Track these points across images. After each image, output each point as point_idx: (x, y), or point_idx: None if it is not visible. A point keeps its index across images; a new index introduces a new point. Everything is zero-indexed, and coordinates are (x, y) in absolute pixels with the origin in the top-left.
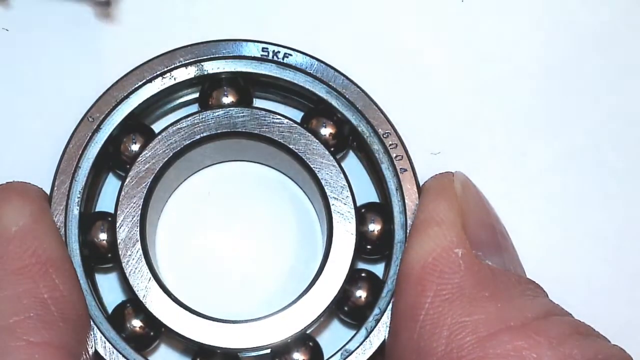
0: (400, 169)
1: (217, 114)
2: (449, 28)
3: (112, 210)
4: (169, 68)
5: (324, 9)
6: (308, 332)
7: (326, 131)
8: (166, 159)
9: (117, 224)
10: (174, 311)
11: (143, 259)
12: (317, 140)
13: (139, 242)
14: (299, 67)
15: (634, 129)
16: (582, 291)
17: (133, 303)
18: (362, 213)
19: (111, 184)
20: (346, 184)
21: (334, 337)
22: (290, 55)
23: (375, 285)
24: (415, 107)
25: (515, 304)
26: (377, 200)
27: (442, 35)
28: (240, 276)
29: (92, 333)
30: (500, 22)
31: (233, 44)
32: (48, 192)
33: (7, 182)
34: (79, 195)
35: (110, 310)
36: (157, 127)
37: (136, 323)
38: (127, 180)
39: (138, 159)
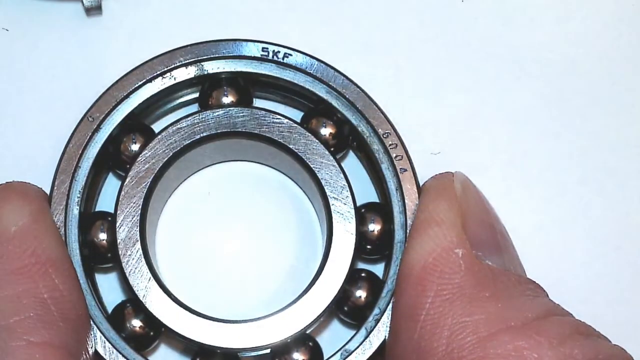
0: (400, 169)
1: (217, 113)
2: (449, 28)
3: (112, 210)
4: (169, 68)
5: (324, 9)
6: (308, 332)
7: (326, 131)
8: (166, 158)
9: (117, 224)
10: (174, 311)
11: (143, 259)
12: (317, 140)
13: (139, 242)
14: (299, 67)
15: (634, 129)
16: (582, 291)
17: (133, 303)
18: (362, 213)
19: (111, 183)
20: (346, 184)
21: (333, 337)
22: (290, 55)
23: (375, 285)
24: (415, 107)
25: (515, 303)
26: (377, 200)
27: (442, 35)
28: (240, 276)
29: (92, 333)
30: (500, 22)
31: (233, 43)
32: (48, 191)
33: (7, 182)
34: (78, 195)
35: (110, 310)
36: (157, 127)
37: (136, 323)
38: (127, 180)
39: (138, 159)
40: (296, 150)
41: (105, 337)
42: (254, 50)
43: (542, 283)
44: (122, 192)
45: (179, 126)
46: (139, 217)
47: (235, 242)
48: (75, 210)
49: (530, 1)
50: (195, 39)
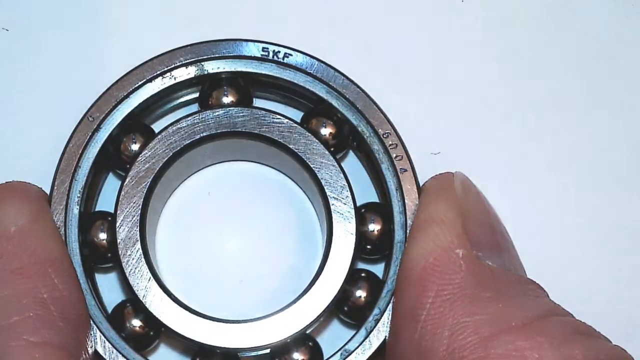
0: (400, 169)
1: (217, 113)
2: (449, 28)
3: (112, 210)
4: (169, 68)
5: (324, 9)
6: (308, 332)
7: (326, 131)
8: (166, 158)
9: (117, 224)
10: (174, 311)
11: (143, 259)
12: (317, 140)
13: (139, 242)
14: (299, 67)
15: (634, 129)
16: (582, 291)
17: (133, 303)
18: (362, 213)
19: (111, 183)
20: (346, 184)
21: (333, 337)
22: (291, 55)
23: (375, 285)
24: (415, 107)
25: (516, 304)
26: (377, 201)
27: (442, 35)
28: (240, 276)
29: (92, 333)
30: (500, 22)
31: (233, 43)
32: (48, 191)
33: (7, 182)
34: (78, 195)
35: (110, 309)
36: (157, 126)
37: (136, 323)
38: (127, 180)
39: (138, 159)
40: (296, 150)
41: (105, 337)
42: (254, 50)
43: (542, 283)
44: (122, 192)
45: (179, 126)
46: (139, 217)
47: (235, 242)
48: (75, 210)
49: (530, 1)
50: (195, 38)
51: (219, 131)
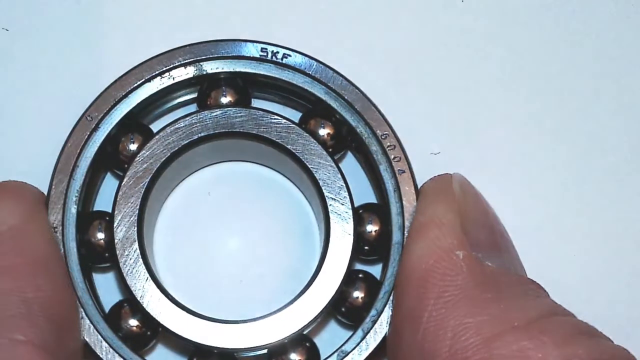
0: (399, 170)
1: (214, 114)
2: (449, 28)
3: (110, 210)
4: (167, 68)
5: (324, 10)
6: (305, 332)
7: (324, 132)
8: (164, 159)
9: (115, 224)
10: (171, 311)
11: (140, 259)
12: (314, 141)
13: (137, 242)
14: (297, 67)
15: (634, 128)
16: (582, 291)
17: (130, 303)
18: (360, 214)
19: (109, 183)
20: (344, 185)
21: (331, 337)
22: (289, 55)
23: (372, 286)
24: (415, 107)
25: (518, 304)
26: (375, 202)
27: (442, 35)
28: (237, 276)
29: (82, 334)
30: (499, 22)
31: (232, 44)
32: (46, 190)
33: (2, 182)
34: (76, 194)
35: (107, 309)
36: (155, 126)
37: (133, 322)
38: (125, 180)
39: (136, 159)
40: (294, 151)
41: (101, 337)
42: (253, 50)
43: (542, 283)
44: (120, 192)
45: (176, 126)
46: (136, 217)
47: (233, 243)
48: (73, 210)
49: (530, 1)
50: (194, 39)
51: (216, 131)
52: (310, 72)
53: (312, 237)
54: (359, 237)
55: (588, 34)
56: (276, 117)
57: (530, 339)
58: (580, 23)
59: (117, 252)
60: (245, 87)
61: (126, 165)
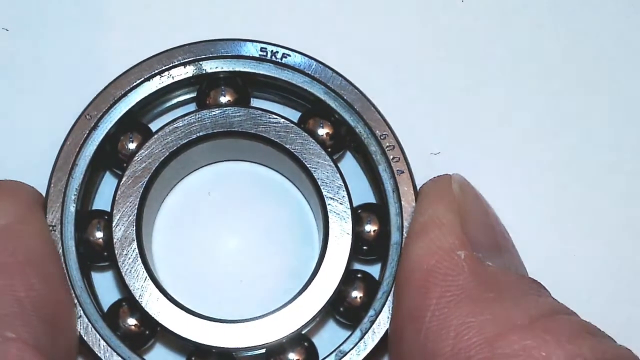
0: (397, 170)
1: (213, 113)
2: (449, 28)
3: (108, 209)
4: (167, 67)
5: (323, 10)
6: (303, 332)
7: (323, 131)
8: (162, 158)
9: (114, 224)
10: (170, 310)
11: (139, 259)
12: (313, 140)
13: (135, 241)
14: (297, 67)
15: (634, 128)
16: (582, 291)
17: (129, 302)
18: (359, 213)
19: (108, 182)
20: (342, 184)
21: (329, 337)
22: (289, 55)
23: (371, 286)
24: (415, 107)
25: (520, 303)
26: (374, 202)
27: (442, 35)
28: (236, 276)
29: (77, 334)
30: (500, 22)
31: (231, 43)
32: (45, 188)
33: None
34: (75, 193)
35: (106, 308)
36: (154, 126)
37: (131, 322)
38: (124, 179)
39: (134, 158)
40: (292, 150)
41: (100, 335)
42: (253, 50)
43: (542, 283)
44: (119, 192)
45: (175, 125)
46: (135, 217)
47: (232, 242)
48: (71, 208)
49: (530, 1)
50: (194, 38)
51: (215, 131)
52: (309, 72)
53: (311, 236)
54: (358, 236)
55: (588, 34)
56: (275, 116)
57: (534, 338)
58: (580, 23)
59: (116, 251)
60: (245, 86)
61: (125, 165)
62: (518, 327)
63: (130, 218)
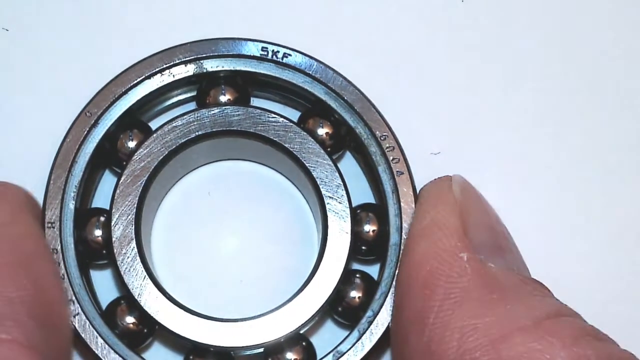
0: (397, 171)
1: (212, 112)
2: (449, 28)
3: (108, 207)
4: (168, 65)
5: (324, 9)
6: (302, 332)
7: (323, 131)
8: (161, 157)
9: (112, 222)
10: (168, 309)
11: (138, 258)
12: (312, 139)
13: (134, 240)
14: (298, 67)
15: (634, 128)
16: (582, 291)
17: (127, 300)
18: (358, 213)
19: (107, 180)
20: (341, 183)
21: (328, 337)
22: (290, 55)
23: (369, 286)
24: (415, 107)
25: (524, 304)
26: (373, 202)
27: (442, 35)
28: (235, 275)
29: (72, 329)
30: (500, 22)
31: (232, 42)
32: (44, 185)
33: None
34: (74, 190)
35: (104, 306)
36: (154, 124)
37: (130, 320)
38: (123, 178)
39: (133, 157)
40: (291, 149)
41: (97, 333)
42: (254, 49)
43: (543, 283)
44: (118, 191)
45: (174, 124)
46: (134, 216)
47: (231, 241)
48: (70, 205)
49: (531, 1)
50: (195, 37)
51: (214, 130)
52: (310, 72)
53: (310, 235)
54: (357, 236)
55: (588, 34)
56: (274, 115)
57: (538, 340)
58: (580, 23)
59: (115, 250)
60: (245, 85)
61: (124, 163)
62: (522, 329)
63: (130, 217)
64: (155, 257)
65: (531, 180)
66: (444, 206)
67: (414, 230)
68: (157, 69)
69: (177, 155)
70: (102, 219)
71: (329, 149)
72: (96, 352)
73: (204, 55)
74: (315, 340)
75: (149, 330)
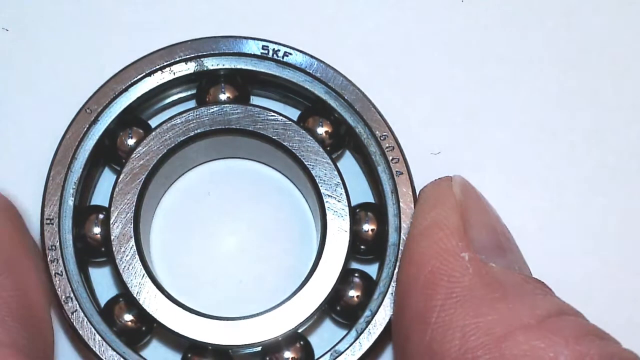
0: (396, 172)
1: (211, 110)
2: (449, 28)
3: (106, 205)
4: (168, 62)
5: (325, 9)
6: (299, 331)
7: (322, 130)
8: (160, 155)
9: (111, 220)
10: (167, 307)
11: (137, 256)
12: (311, 138)
13: (133, 238)
14: (298, 66)
15: (635, 128)
16: (582, 291)
17: (126, 298)
18: (357, 212)
19: (107, 178)
20: (340, 182)
21: (326, 336)
22: (290, 54)
23: (368, 286)
24: (415, 107)
25: (526, 303)
26: (373, 201)
27: (442, 35)
28: (233, 273)
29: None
30: (500, 22)
31: (233, 40)
32: (44, 182)
33: None
34: (74, 187)
35: (103, 303)
36: (154, 122)
37: (128, 317)
38: (122, 176)
39: (132, 155)
40: (290, 148)
41: (95, 330)
42: (254, 48)
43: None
44: (117, 189)
45: (173, 123)
46: (133, 214)
47: (230, 240)
48: (70, 202)
49: (531, 1)
50: (195, 35)
51: (213, 128)
52: (310, 71)
53: (309, 234)
54: (356, 235)
55: (588, 34)
56: (273, 114)
57: (541, 339)
58: (580, 23)
59: (114, 248)
60: (245, 84)
61: (124, 161)
62: (525, 327)
63: (128, 215)
64: (154, 255)
65: (531, 180)
66: (444, 206)
67: (414, 230)
68: (157, 67)
69: (175, 154)
70: (101, 216)
71: (328, 148)
72: (94, 349)
73: (204, 53)
74: (313, 339)
75: (147, 328)
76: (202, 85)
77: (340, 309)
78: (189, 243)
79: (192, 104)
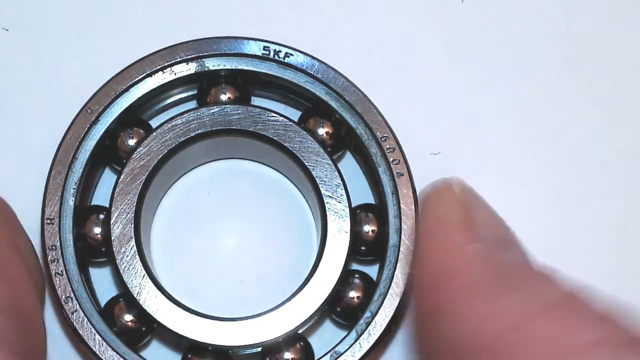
0: (397, 173)
1: (212, 111)
2: (449, 28)
3: (107, 205)
4: (169, 63)
5: (326, 10)
6: (300, 331)
7: (323, 131)
8: (161, 156)
9: (112, 221)
10: (167, 308)
11: (137, 256)
12: (312, 139)
13: (133, 239)
14: (299, 67)
15: (635, 128)
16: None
17: (126, 298)
18: (358, 213)
19: (107, 178)
20: (341, 182)
21: (326, 337)
22: (292, 55)
23: (368, 286)
24: (415, 107)
25: (539, 290)
26: (373, 202)
27: (443, 35)
28: (234, 274)
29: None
30: (500, 22)
31: (234, 41)
32: (44, 181)
33: None
34: (74, 187)
35: (103, 303)
36: (155, 122)
37: (128, 318)
38: (122, 176)
39: (133, 156)
40: (291, 148)
41: (95, 330)
42: (255, 48)
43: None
44: (117, 189)
45: (174, 123)
46: (133, 214)
47: (231, 240)
48: (70, 202)
49: (531, 1)
50: (196, 35)
51: (214, 129)
52: (312, 72)
53: (310, 235)
54: (356, 236)
55: (588, 34)
56: (274, 114)
57: (555, 324)
58: (580, 23)
59: (114, 248)
60: (246, 84)
61: (124, 161)
62: (539, 314)
63: (129, 215)
64: (155, 255)
65: (531, 180)
66: (446, 204)
67: (419, 229)
68: (158, 67)
69: (176, 154)
70: (101, 216)
71: (329, 149)
72: (94, 349)
73: (205, 54)
74: (313, 340)
75: (148, 328)
76: (203, 86)
77: (341, 310)
78: (190, 243)
79: (193, 104)
